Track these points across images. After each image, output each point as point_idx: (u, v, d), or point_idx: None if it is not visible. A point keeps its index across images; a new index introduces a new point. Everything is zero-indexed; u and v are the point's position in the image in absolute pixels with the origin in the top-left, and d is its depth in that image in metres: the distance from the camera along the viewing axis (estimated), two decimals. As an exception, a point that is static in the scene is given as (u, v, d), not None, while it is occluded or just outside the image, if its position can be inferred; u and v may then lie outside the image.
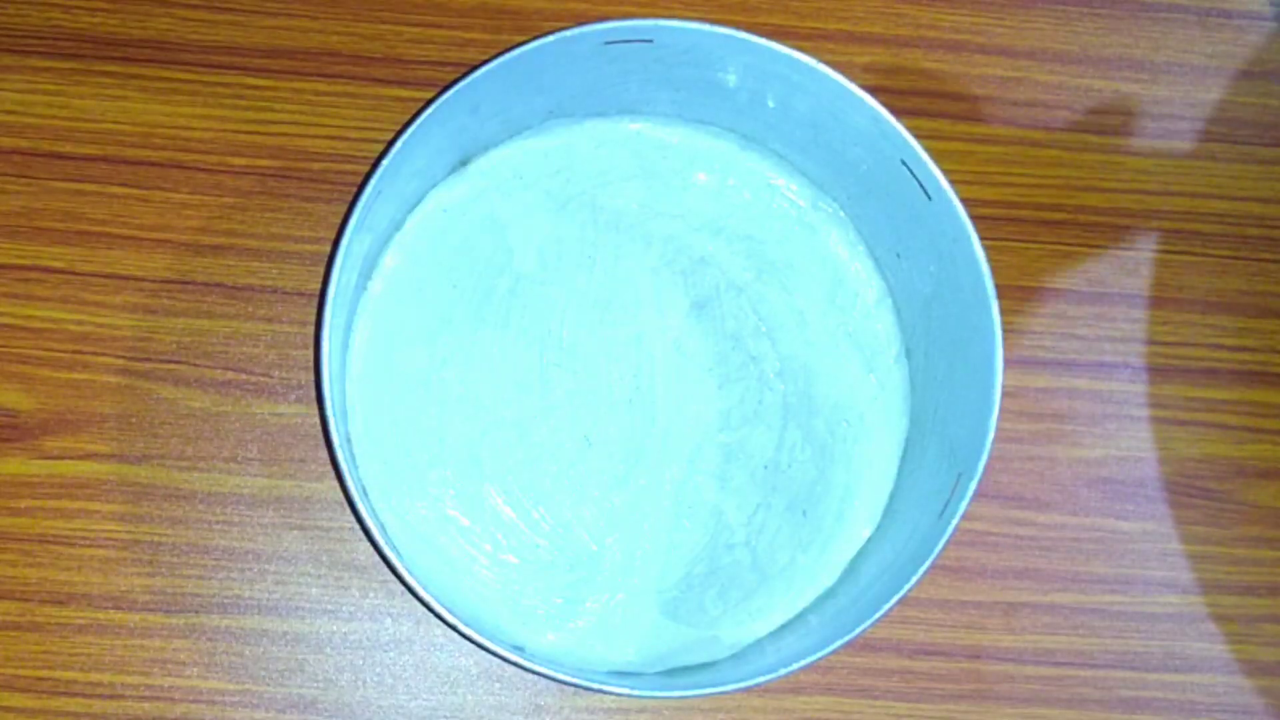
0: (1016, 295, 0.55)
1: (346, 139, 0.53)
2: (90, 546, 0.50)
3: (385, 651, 0.51)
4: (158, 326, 0.52)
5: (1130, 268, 0.55)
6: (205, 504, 0.51)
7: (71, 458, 0.51)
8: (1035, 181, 0.56)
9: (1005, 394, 0.45)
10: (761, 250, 0.52)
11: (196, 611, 0.50)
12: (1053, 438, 0.54)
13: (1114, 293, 0.55)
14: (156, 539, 0.51)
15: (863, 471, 0.51)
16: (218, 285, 0.52)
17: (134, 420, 0.51)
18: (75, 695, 0.50)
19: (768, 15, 0.55)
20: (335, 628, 0.51)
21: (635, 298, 0.51)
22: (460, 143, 0.50)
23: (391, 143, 0.44)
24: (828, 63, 0.46)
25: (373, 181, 0.44)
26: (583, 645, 0.49)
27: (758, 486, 0.51)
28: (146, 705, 0.50)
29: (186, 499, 0.51)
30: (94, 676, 0.50)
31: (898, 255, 0.51)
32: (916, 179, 0.47)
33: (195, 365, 0.52)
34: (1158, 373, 0.55)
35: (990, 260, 0.46)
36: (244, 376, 0.52)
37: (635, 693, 0.45)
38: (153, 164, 0.52)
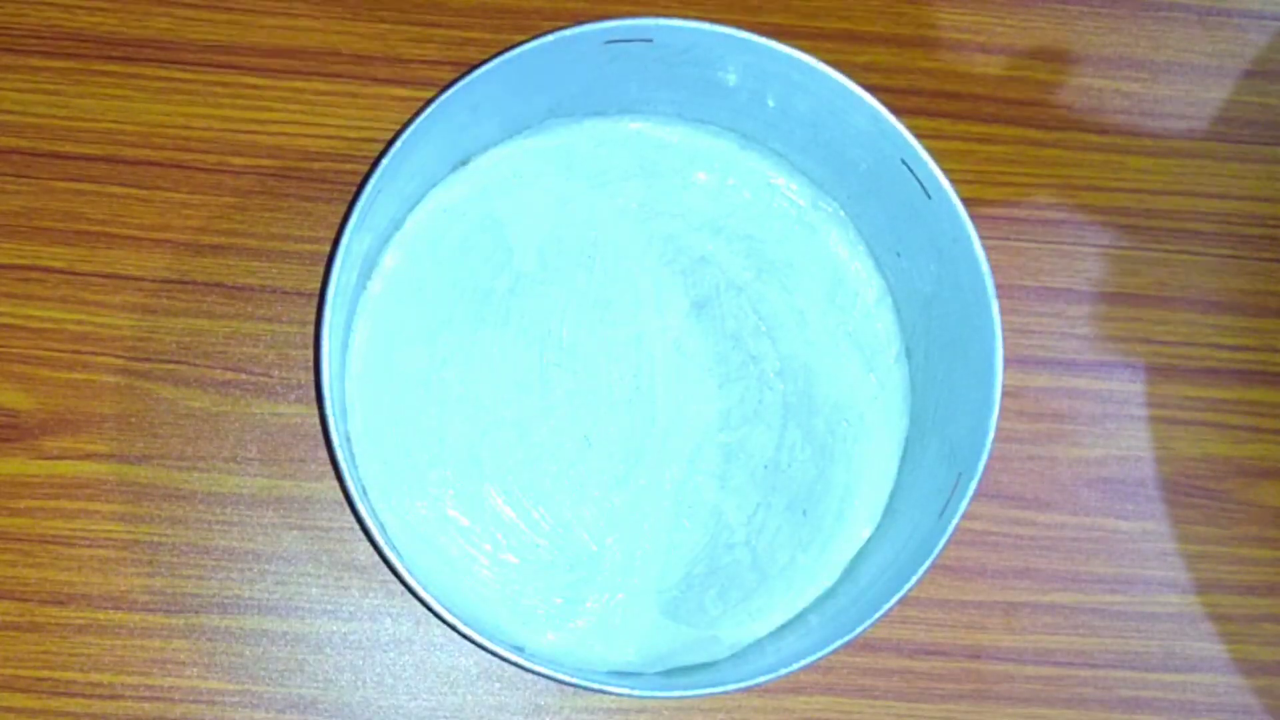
0: (1016, 295, 0.55)
1: (346, 139, 0.53)
2: (90, 546, 0.50)
3: (385, 651, 0.51)
4: (157, 326, 0.52)
5: (1130, 268, 0.55)
6: (205, 504, 0.51)
7: (71, 458, 0.51)
8: (1035, 181, 0.56)
9: (1005, 394, 0.45)
10: (761, 250, 0.52)
11: (196, 612, 0.50)
12: (1053, 438, 0.54)
13: (1113, 293, 0.55)
14: (156, 539, 0.51)
15: (863, 471, 0.51)
16: (217, 285, 0.52)
17: (134, 420, 0.51)
18: (75, 695, 0.50)
19: (768, 15, 0.55)
20: (335, 628, 0.51)
21: (635, 298, 0.51)
22: (460, 142, 0.50)
23: (391, 143, 0.44)
24: (828, 62, 0.46)
25: (373, 181, 0.44)
26: (583, 645, 0.49)
27: (758, 486, 0.51)
28: (146, 705, 0.50)
29: (186, 499, 0.51)
30: (94, 677, 0.50)
31: (898, 255, 0.51)
32: (916, 178, 0.47)
33: (195, 365, 0.52)
34: (1158, 373, 0.55)
35: (990, 260, 0.46)
36: (244, 376, 0.52)
37: (635, 693, 0.45)
38: (153, 164, 0.52)
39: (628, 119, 0.52)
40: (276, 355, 0.52)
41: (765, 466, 0.51)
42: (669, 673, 0.49)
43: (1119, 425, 0.54)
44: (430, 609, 0.43)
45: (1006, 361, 0.46)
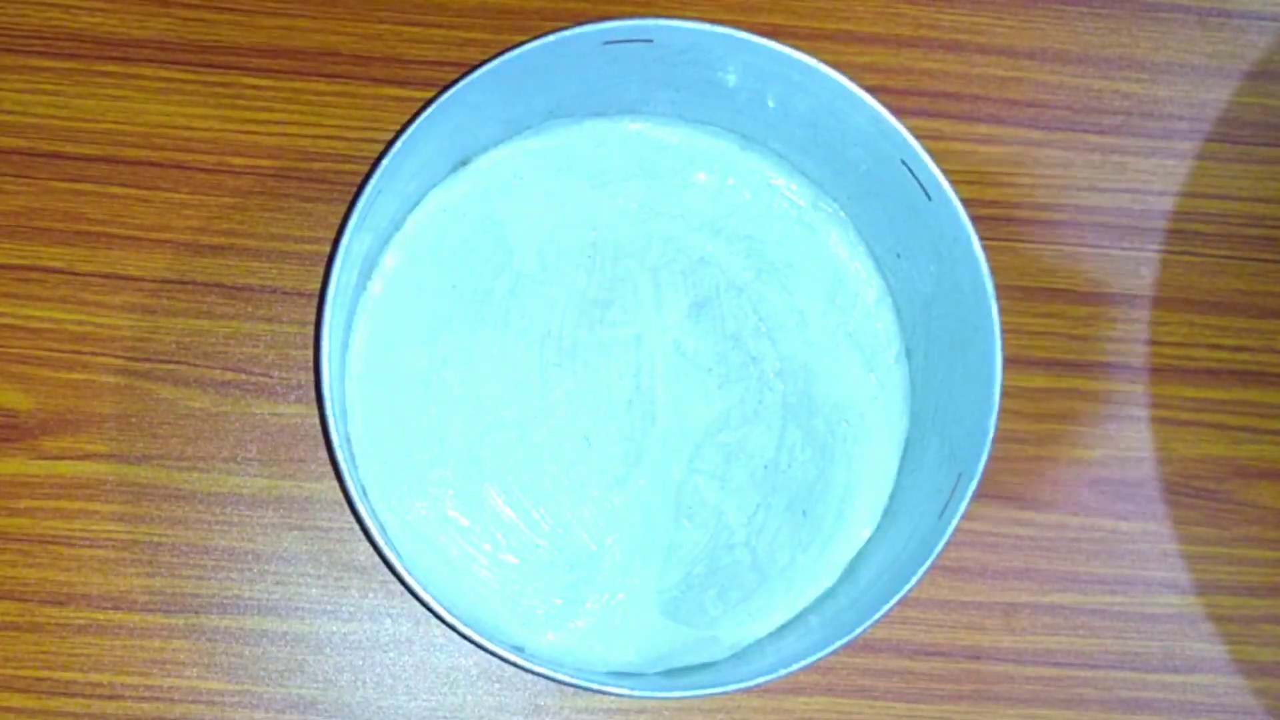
0: (1016, 295, 0.55)
1: (346, 139, 0.53)
2: (90, 547, 0.50)
3: (385, 652, 0.51)
4: (157, 326, 0.52)
5: (1130, 268, 0.55)
6: (205, 504, 0.51)
7: (71, 458, 0.51)
8: (1035, 181, 0.56)
9: (1005, 394, 0.45)
10: (761, 250, 0.52)
11: (196, 612, 0.50)
12: (1053, 438, 0.54)
13: (1114, 293, 0.55)
14: (156, 539, 0.51)
15: (863, 471, 0.51)
16: (217, 285, 0.52)
17: (134, 420, 0.51)
18: (75, 695, 0.50)
19: (768, 15, 0.55)
20: (335, 628, 0.51)
21: (635, 298, 0.51)
22: (460, 143, 0.50)
23: (391, 143, 0.44)
24: (828, 63, 0.46)
25: (373, 181, 0.44)
26: (582, 645, 0.49)
27: (758, 486, 0.51)
28: (146, 705, 0.50)
29: (186, 499, 0.51)
30: (93, 677, 0.50)
31: (898, 255, 0.51)
32: (916, 179, 0.47)
33: (195, 365, 0.52)
34: (1158, 373, 0.55)
35: (990, 260, 0.46)
36: (244, 376, 0.52)
37: (635, 693, 0.45)
38: (153, 164, 0.52)
39: (628, 119, 0.52)
40: (276, 355, 0.52)
41: (765, 467, 0.51)
42: (669, 673, 0.49)
43: (1119, 425, 0.54)
44: (430, 609, 0.43)
45: (1006, 361, 0.46)
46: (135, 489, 0.51)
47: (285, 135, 0.53)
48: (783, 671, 0.44)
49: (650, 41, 0.46)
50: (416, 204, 0.50)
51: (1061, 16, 0.57)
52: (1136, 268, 0.55)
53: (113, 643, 0.50)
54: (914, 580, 0.45)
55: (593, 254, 0.51)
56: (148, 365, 0.51)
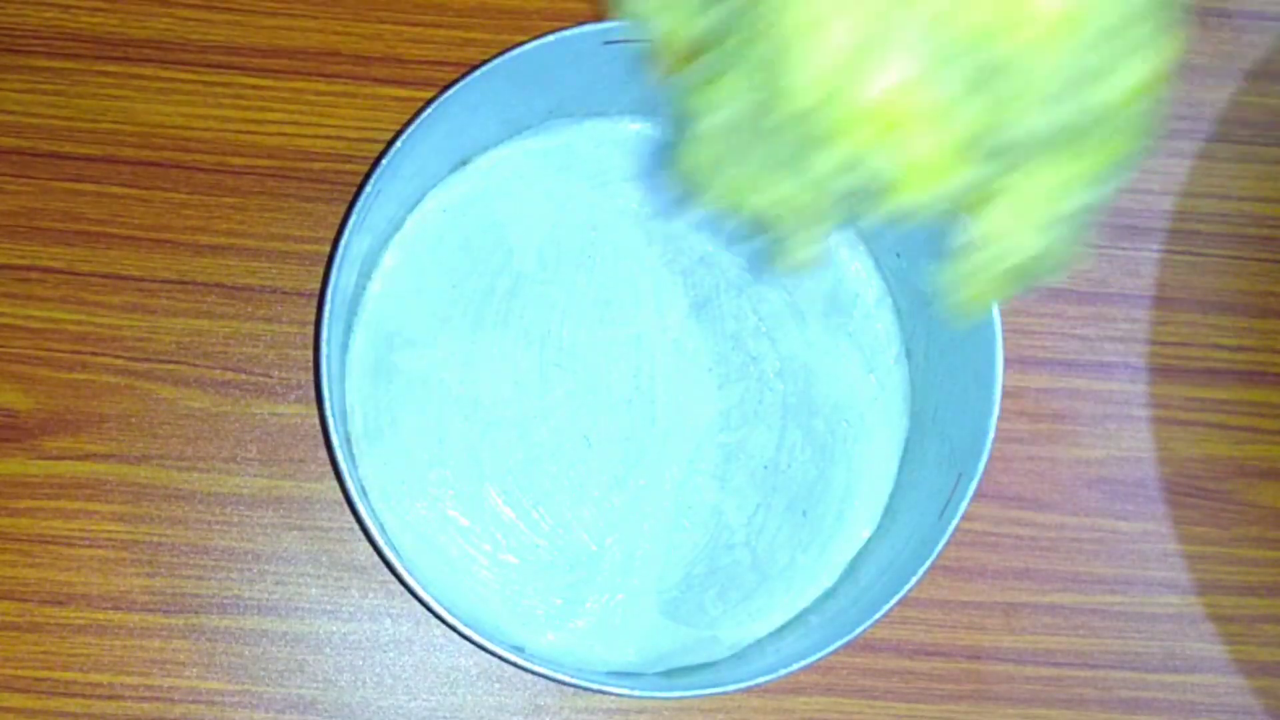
0: (1016, 295, 0.55)
1: (346, 139, 0.53)
2: (90, 547, 0.50)
3: (385, 652, 0.51)
4: (157, 326, 0.52)
5: (1130, 268, 0.55)
6: (205, 504, 0.51)
7: (71, 458, 0.51)
8: (1035, 181, 0.55)
9: (1005, 394, 0.45)
10: (761, 250, 0.52)
11: (196, 612, 0.50)
12: (1053, 438, 0.54)
13: (1114, 293, 0.55)
14: (156, 539, 0.51)
15: (863, 471, 0.51)
16: (217, 285, 0.52)
17: (134, 420, 0.51)
18: (75, 695, 0.50)
19: (768, 15, 0.55)
20: (335, 628, 0.51)
21: (635, 298, 0.51)
22: (460, 143, 0.50)
23: (391, 143, 0.44)
24: (828, 63, 0.46)
25: (372, 181, 0.44)
26: (582, 645, 0.49)
27: (758, 486, 0.51)
28: (146, 706, 0.50)
29: (186, 499, 0.51)
30: (93, 677, 0.50)
31: (897, 255, 0.51)
32: (916, 179, 0.47)
33: (195, 365, 0.52)
34: (1158, 373, 0.55)
35: (990, 260, 0.46)
36: (244, 376, 0.52)
37: (635, 693, 0.45)
38: (153, 164, 0.52)
39: (628, 119, 0.52)
40: (276, 355, 0.52)
41: (765, 467, 0.51)
42: (669, 673, 0.49)
43: (1119, 425, 0.54)
44: (430, 609, 0.43)
45: (1006, 361, 0.46)
46: (135, 489, 0.51)
47: (285, 135, 0.53)
48: (783, 671, 0.44)
49: (650, 41, 0.46)
50: (416, 204, 0.50)
51: (1061, 16, 0.56)
52: (1136, 268, 0.55)
53: (113, 643, 0.50)
54: (914, 580, 0.45)
55: (593, 254, 0.51)
56: (148, 365, 0.51)
